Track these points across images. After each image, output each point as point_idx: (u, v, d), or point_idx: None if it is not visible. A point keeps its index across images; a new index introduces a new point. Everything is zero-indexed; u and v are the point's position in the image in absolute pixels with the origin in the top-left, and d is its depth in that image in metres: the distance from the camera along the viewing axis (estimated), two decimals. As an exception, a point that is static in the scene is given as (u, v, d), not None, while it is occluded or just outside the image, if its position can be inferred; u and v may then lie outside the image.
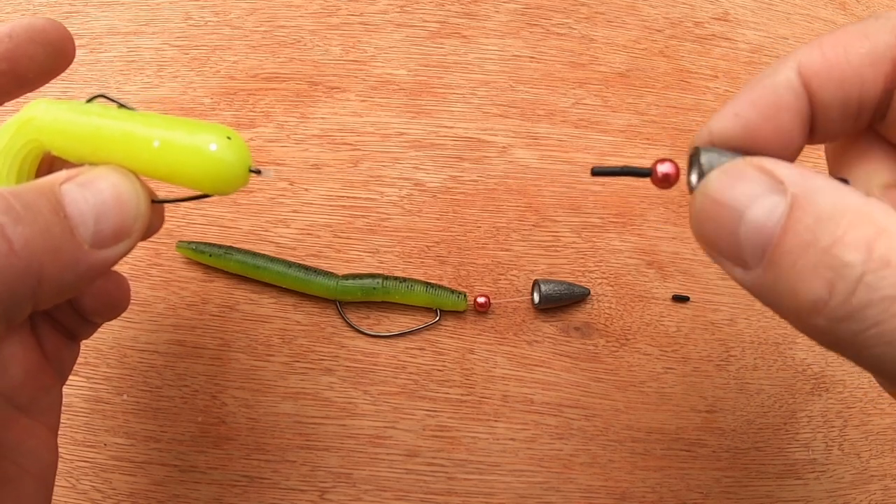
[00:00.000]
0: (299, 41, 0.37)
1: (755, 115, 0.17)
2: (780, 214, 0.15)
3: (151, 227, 0.23)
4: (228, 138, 0.19)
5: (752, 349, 0.34)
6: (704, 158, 0.17)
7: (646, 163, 0.36)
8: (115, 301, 0.25)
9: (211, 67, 0.36)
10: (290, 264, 0.33)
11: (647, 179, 0.19)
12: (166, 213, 0.34)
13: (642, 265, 0.35)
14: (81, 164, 0.20)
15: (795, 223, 0.14)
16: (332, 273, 0.33)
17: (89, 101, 0.21)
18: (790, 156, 0.18)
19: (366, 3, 0.37)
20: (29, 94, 0.22)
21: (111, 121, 0.19)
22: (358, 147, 0.35)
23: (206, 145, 0.18)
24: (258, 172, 0.19)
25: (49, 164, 0.22)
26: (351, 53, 0.37)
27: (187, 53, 0.36)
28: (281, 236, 0.34)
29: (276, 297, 0.33)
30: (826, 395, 0.34)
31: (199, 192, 0.19)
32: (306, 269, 0.33)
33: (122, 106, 0.20)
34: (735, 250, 0.15)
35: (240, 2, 0.37)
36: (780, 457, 0.33)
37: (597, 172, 0.19)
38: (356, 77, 0.36)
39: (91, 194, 0.18)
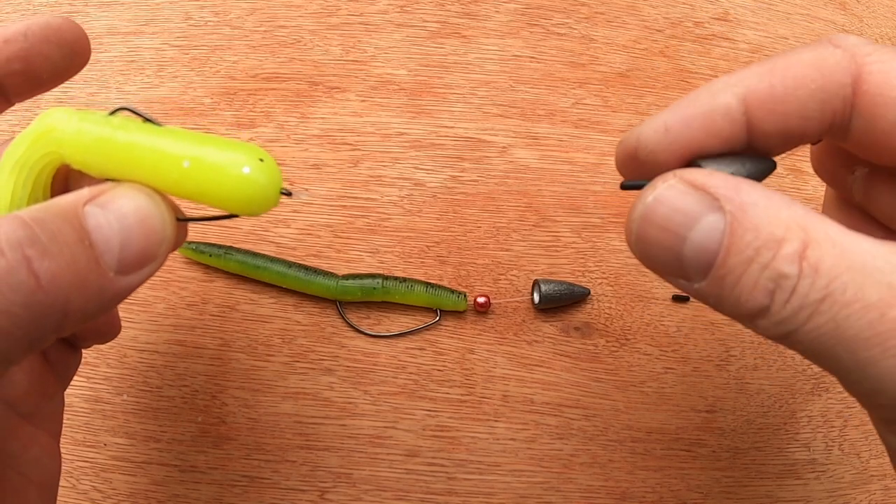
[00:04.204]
0: (299, 41, 0.37)
1: (686, 133, 0.17)
2: (720, 234, 0.15)
3: (176, 243, 0.22)
4: (261, 160, 0.18)
5: (752, 349, 0.34)
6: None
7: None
8: (103, 333, 0.26)
9: (211, 67, 0.36)
10: (290, 264, 0.33)
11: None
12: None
13: (642, 265, 0.35)
14: (102, 179, 0.19)
15: (737, 241, 0.15)
16: (332, 273, 0.33)
17: (112, 113, 0.19)
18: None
19: (366, 3, 0.37)
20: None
21: (139, 135, 0.18)
22: (358, 147, 0.35)
23: (239, 168, 0.18)
24: (289, 194, 0.19)
25: (65, 175, 0.21)
26: (351, 53, 0.37)
27: (187, 53, 0.36)
28: (281, 236, 0.34)
29: (276, 297, 0.33)
30: (826, 395, 0.34)
31: (226, 213, 0.19)
32: (306, 269, 0.33)
33: (147, 120, 0.19)
34: (679, 268, 0.16)
35: (240, 2, 0.37)
36: (780, 457, 0.33)
37: (626, 187, 0.18)
38: (356, 77, 0.36)
39: (115, 218, 0.18)
